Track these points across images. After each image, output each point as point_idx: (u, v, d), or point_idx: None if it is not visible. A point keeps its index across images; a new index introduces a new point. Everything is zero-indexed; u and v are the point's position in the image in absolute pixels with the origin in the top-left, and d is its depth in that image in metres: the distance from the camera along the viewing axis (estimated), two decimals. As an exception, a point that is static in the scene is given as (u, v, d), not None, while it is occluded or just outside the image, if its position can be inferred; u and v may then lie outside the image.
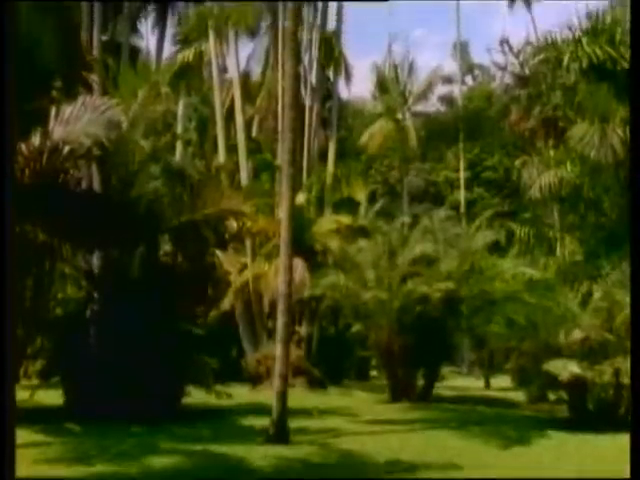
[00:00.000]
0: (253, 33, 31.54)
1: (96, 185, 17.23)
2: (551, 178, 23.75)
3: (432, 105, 45.53)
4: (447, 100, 48.28)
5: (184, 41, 30.58)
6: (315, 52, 29.58)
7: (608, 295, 16.80)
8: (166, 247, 17.54)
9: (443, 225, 22.02)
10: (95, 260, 16.82)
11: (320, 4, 29.76)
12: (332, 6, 30.65)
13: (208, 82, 31.08)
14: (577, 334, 16.45)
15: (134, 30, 32.64)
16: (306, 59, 29.46)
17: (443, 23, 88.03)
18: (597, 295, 17.39)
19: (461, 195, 40.05)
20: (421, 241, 21.11)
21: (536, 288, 19.18)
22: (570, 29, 21.76)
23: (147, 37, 34.15)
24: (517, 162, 32.22)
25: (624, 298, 15.45)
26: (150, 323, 15.54)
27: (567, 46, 21.83)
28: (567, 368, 15.69)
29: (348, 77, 35.25)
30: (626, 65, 19.58)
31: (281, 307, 13.47)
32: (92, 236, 15.27)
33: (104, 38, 28.50)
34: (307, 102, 29.13)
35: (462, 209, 37.89)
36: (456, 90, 46.69)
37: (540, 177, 24.13)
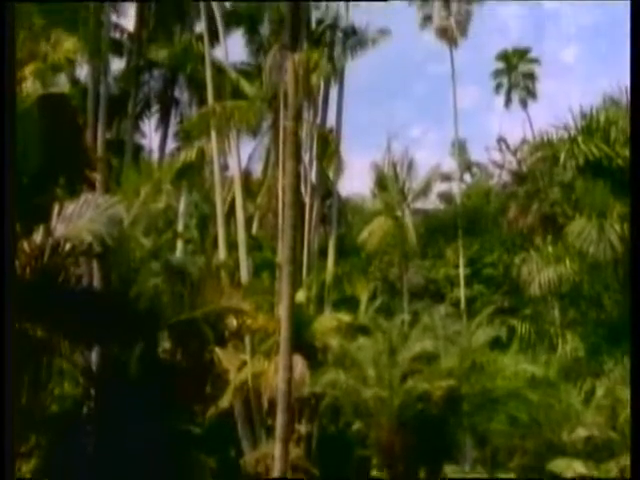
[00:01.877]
0: (254, 132, 32.05)
1: (96, 282, 17.26)
2: (550, 275, 23.78)
3: (431, 202, 45.99)
4: (446, 197, 48.77)
5: (186, 139, 31.05)
6: (315, 150, 30.04)
7: (611, 392, 16.69)
8: (165, 344, 17.46)
9: (443, 322, 22.01)
10: (94, 356, 16.72)
11: (320, 101, 30.42)
12: (332, 104, 31.34)
13: (209, 180, 31.46)
14: (581, 432, 16.28)
15: (137, 129, 33.19)
16: (306, 157, 29.89)
17: (441, 121, 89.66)
18: (600, 392, 17.27)
19: (461, 292, 40.02)
20: (421, 338, 21.06)
21: (538, 385, 19.05)
22: (565, 128, 22.14)
23: (150, 135, 34.72)
24: (516, 258, 32.32)
25: (627, 395, 15.33)
26: (147, 422, 15.34)
27: (563, 144, 22.17)
28: (571, 467, 15.47)
29: (341, 172, 35.65)
30: (621, 162, 19.86)
31: (281, 405, 13.35)
32: (91, 333, 15.22)
33: (108, 136, 29.01)
34: (307, 200, 29.43)
35: (462, 306, 37.82)
36: (455, 187, 47.23)
37: (540, 274, 24.16)
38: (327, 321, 25.55)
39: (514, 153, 45.06)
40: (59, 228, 14.03)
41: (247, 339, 24.81)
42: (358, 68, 34.36)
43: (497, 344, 23.18)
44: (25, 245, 13.69)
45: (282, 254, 20.60)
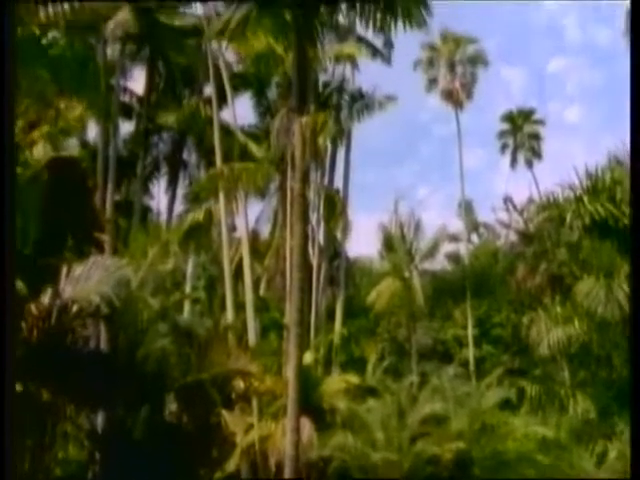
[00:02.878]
0: (262, 194, 32.28)
1: (103, 343, 17.23)
2: (559, 335, 23.63)
3: (439, 263, 45.91)
4: (454, 258, 48.73)
5: (195, 201, 31.25)
6: (322, 212, 30.20)
7: (624, 455, 16.45)
8: (172, 406, 17.34)
9: (452, 383, 21.85)
10: (99, 419, 16.61)
11: (327, 163, 30.69)
12: (339, 165, 31.61)
13: (217, 241, 31.56)
14: (593, 496, 16.04)
15: (146, 191, 33.44)
16: (314, 219, 30.02)
17: (447, 182, 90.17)
18: (612, 455, 17.03)
19: (470, 352, 39.77)
20: (431, 400, 20.88)
21: (549, 448, 18.80)
22: (571, 188, 22.21)
23: (159, 197, 34.97)
24: (525, 319, 32.16)
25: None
26: (154, 486, 15.18)
27: (569, 204, 22.20)
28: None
29: (349, 234, 35.79)
30: (627, 222, 19.88)
31: (288, 469, 13.21)
32: (97, 395, 15.15)
33: (117, 198, 29.24)
34: (315, 261, 29.48)
35: (471, 367, 37.55)
36: (462, 248, 47.25)
37: (548, 334, 24.00)
38: (335, 383, 25.36)
39: (521, 213, 45.18)
40: (67, 290, 14.08)
41: (254, 401, 24.63)
42: (364, 129, 34.77)
43: (507, 405, 22.95)
44: (33, 307, 13.72)
45: (290, 315, 20.54)
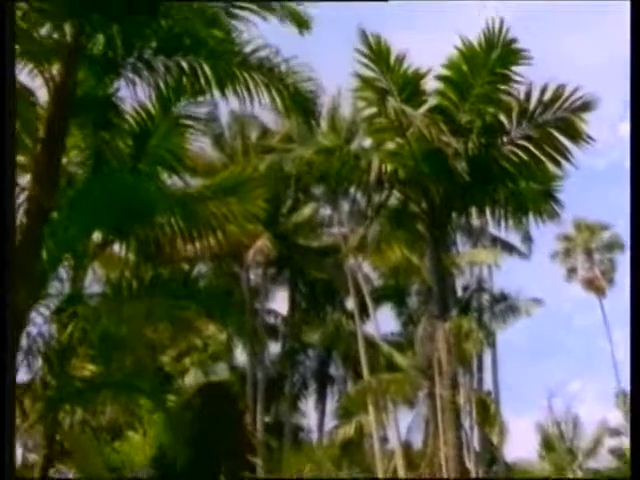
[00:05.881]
0: (411, 403, 31.86)
1: None
2: None
3: (603, 459, 43.49)
4: (618, 453, 46.08)
5: (345, 416, 31.13)
6: (475, 416, 29.45)
7: None
8: None
9: None
10: None
11: (475, 365, 30.19)
12: (487, 366, 31.06)
13: (369, 453, 31.05)
14: None
15: (296, 409, 33.60)
16: (467, 424, 29.23)
17: (599, 373, 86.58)
18: None
19: None
20: None
21: None
22: None
23: (309, 415, 35.04)
24: None
25: None
26: None
27: None
28: None
29: (504, 437, 34.56)
30: None
31: None
32: None
33: (267, 419, 29.48)
34: (471, 468, 28.42)
35: None
36: (626, 442, 44.68)
37: None
38: None
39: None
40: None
41: None
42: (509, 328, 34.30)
43: None
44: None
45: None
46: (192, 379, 27.90)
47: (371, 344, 28.79)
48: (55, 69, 10.61)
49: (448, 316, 19.92)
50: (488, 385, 31.60)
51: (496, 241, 31.42)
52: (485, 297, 32.04)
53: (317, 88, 11.99)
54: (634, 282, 6.86)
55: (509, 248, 32.45)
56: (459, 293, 31.37)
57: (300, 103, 11.91)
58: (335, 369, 33.84)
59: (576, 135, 18.20)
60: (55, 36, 10.80)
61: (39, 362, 10.46)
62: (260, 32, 11.64)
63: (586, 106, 17.85)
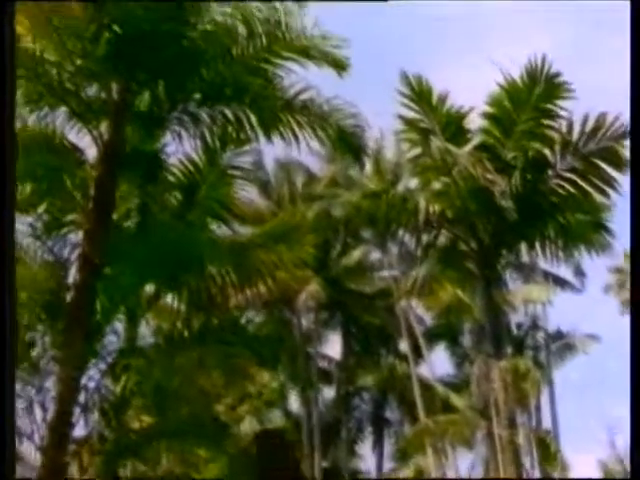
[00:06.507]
0: (469, 443, 31.43)
1: None
2: None
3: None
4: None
5: (402, 458, 30.82)
6: (535, 455, 28.93)
7: None
8: None
9: None
10: None
11: (532, 407, 29.69)
12: (545, 403, 30.54)
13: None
14: None
15: (353, 453, 33.32)
16: (527, 463, 28.72)
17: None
18: None
19: None
20: None
21: None
22: None
23: (366, 458, 34.72)
24: None
25: None
26: None
27: None
28: None
29: (566, 474, 33.87)
30: None
31: None
32: None
33: (324, 465, 29.27)
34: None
35: None
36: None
37: None
38: None
39: None
40: None
41: None
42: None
43: None
44: None
45: None
46: (248, 427, 27.89)
47: (426, 385, 28.55)
48: (103, 127, 10.87)
49: (503, 355, 19.72)
50: (547, 423, 31.04)
51: (548, 276, 31.02)
52: (540, 335, 31.62)
53: (361, 124, 12.09)
54: (634, 282, 6.79)
55: (561, 283, 32.01)
56: (513, 331, 30.99)
57: (345, 140, 12.02)
58: (391, 412, 33.56)
59: (621, 163, 18.06)
60: (102, 95, 11.06)
61: (96, 416, 10.55)
62: (301, 75, 11.83)
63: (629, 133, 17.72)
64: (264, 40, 11.45)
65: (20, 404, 10.23)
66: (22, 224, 11.06)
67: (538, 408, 30.62)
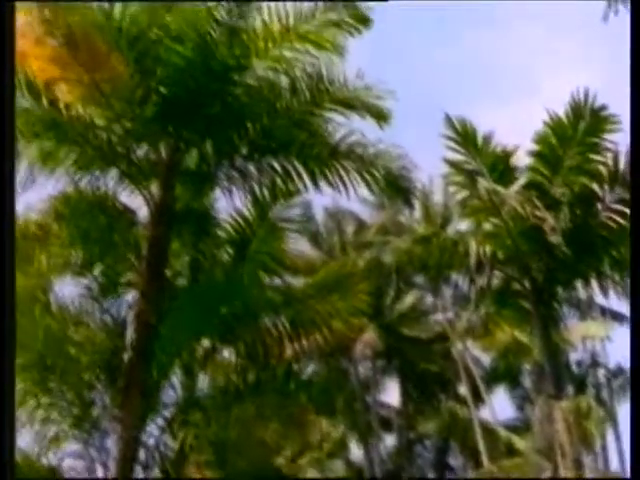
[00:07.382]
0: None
1: None
2: None
3: None
4: None
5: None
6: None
7: None
8: None
9: None
10: None
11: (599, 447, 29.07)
12: (611, 446, 29.86)
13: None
14: None
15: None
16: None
17: None
18: None
19: None
20: None
21: None
22: None
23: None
24: None
25: None
26: None
27: None
28: None
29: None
30: None
31: None
32: None
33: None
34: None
35: None
36: None
37: None
38: None
39: None
40: None
41: None
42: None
43: None
44: None
45: None
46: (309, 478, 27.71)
47: (488, 429, 28.12)
48: (153, 187, 11.08)
49: (564, 395, 19.40)
50: (614, 463, 30.31)
51: (605, 312, 30.53)
52: (601, 371, 31.02)
53: (408, 165, 12.10)
54: (634, 283, 6.71)
55: (619, 318, 31.47)
56: (573, 369, 30.48)
57: (393, 182, 12.03)
58: (454, 458, 33.13)
59: (671, 190, 17.77)
60: (151, 156, 11.30)
61: (156, 473, 10.61)
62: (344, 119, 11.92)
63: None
64: (307, 94, 11.62)
65: (82, 464, 10.35)
66: (79, 286, 11.28)
67: (604, 447, 29.95)
